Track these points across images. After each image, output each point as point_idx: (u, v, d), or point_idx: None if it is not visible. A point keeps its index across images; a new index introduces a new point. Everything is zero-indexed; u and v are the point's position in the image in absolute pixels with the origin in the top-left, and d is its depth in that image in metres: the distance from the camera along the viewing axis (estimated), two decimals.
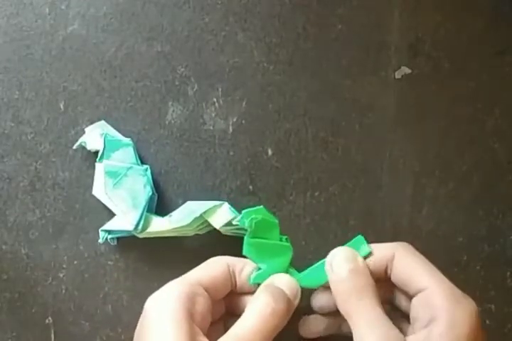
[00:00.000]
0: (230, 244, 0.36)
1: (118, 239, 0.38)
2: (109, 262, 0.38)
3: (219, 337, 0.29)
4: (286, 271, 0.33)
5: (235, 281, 0.33)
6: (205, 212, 0.35)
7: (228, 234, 0.36)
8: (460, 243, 0.39)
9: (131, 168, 0.37)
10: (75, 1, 0.39)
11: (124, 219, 0.36)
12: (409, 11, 0.39)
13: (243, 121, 0.39)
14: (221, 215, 0.36)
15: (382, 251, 0.32)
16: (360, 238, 0.33)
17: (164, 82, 0.39)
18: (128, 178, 0.37)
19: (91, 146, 0.37)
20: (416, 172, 0.39)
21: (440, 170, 0.39)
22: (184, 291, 0.30)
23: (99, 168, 0.37)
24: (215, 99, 0.39)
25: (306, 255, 0.38)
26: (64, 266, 0.38)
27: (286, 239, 0.34)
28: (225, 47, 0.39)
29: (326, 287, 0.33)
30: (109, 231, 0.37)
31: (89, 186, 0.38)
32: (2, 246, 0.38)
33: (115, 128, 0.38)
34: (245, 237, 0.33)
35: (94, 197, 0.37)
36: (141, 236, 0.36)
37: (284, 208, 0.38)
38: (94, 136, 0.37)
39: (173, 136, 0.39)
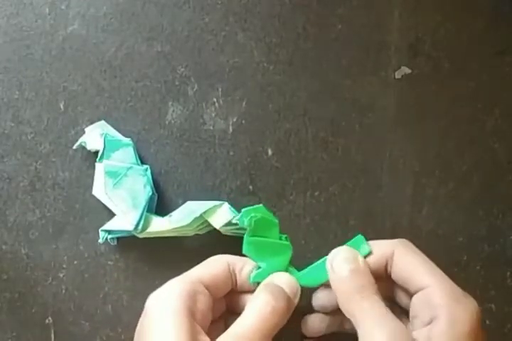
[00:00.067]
0: (230, 243, 0.36)
1: (118, 239, 0.38)
2: (109, 262, 0.38)
3: (219, 335, 0.29)
4: (286, 270, 0.33)
5: (236, 280, 0.33)
6: (205, 212, 0.35)
7: (228, 233, 0.36)
8: (460, 243, 0.39)
9: (131, 168, 0.37)
10: (75, 1, 0.39)
11: (124, 219, 0.36)
12: (409, 11, 0.39)
13: (243, 121, 0.39)
14: (221, 215, 0.36)
15: (381, 248, 0.32)
16: (360, 237, 0.33)
17: (164, 82, 0.39)
18: (128, 178, 0.37)
19: (91, 146, 0.37)
20: (416, 172, 0.39)
21: (440, 170, 0.39)
22: (185, 289, 0.30)
23: (99, 168, 0.37)
24: (215, 99, 0.39)
25: (306, 255, 0.38)
26: (64, 266, 0.38)
27: (285, 237, 0.34)
28: (225, 47, 0.39)
29: (327, 286, 0.33)
30: (109, 231, 0.37)
31: (89, 186, 0.38)
32: (2, 246, 0.38)
33: (115, 128, 0.38)
34: (245, 236, 0.33)
35: (94, 197, 0.37)
36: (141, 236, 0.36)
37: (284, 208, 0.38)
38: (94, 136, 0.37)
39: (173, 136, 0.39)
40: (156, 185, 0.38)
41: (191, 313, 0.29)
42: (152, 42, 0.39)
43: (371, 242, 0.33)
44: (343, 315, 0.31)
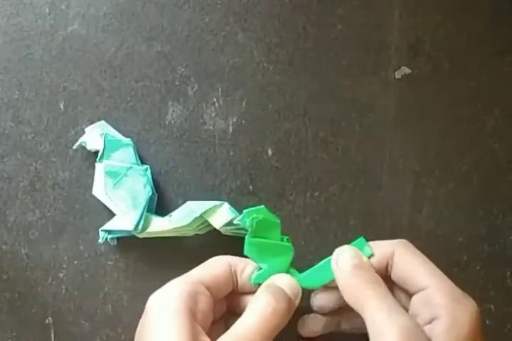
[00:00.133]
0: (230, 244, 0.36)
1: (118, 239, 0.38)
2: (109, 262, 0.38)
3: (220, 336, 0.29)
4: (287, 271, 0.33)
5: (237, 281, 0.33)
6: (205, 212, 0.35)
7: (228, 234, 0.36)
8: (460, 243, 0.39)
9: (131, 168, 0.37)
10: (75, 1, 0.39)
11: (124, 219, 0.36)
12: (409, 11, 0.39)
13: (243, 121, 0.39)
14: (221, 215, 0.36)
15: (382, 249, 0.32)
16: (361, 240, 0.33)
17: (164, 82, 0.39)
18: (128, 178, 0.37)
19: (91, 146, 0.37)
20: (416, 172, 0.39)
21: (440, 170, 0.39)
22: (186, 290, 0.30)
23: (99, 168, 0.37)
24: (215, 99, 0.39)
25: (306, 255, 0.38)
26: (64, 266, 0.38)
27: (287, 239, 0.34)
28: (225, 47, 0.39)
29: (326, 287, 0.33)
30: (109, 231, 0.37)
31: (89, 186, 0.38)
32: (2, 246, 0.38)
33: (115, 128, 0.38)
34: (246, 237, 0.33)
35: (94, 197, 0.37)
36: (141, 236, 0.36)
37: (284, 208, 0.38)
38: (94, 136, 0.37)
39: (173, 136, 0.39)
40: (156, 185, 0.38)
41: (192, 314, 0.29)
42: (152, 42, 0.39)
43: (371, 243, 0.33)
44: (341, 315, 0.31)
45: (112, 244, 0.38)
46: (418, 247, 0.32)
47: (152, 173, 0.38)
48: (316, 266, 0.33)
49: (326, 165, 0.39)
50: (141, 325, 0.30)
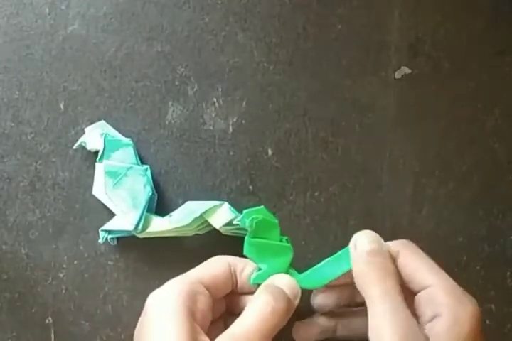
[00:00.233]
0: (230, 244, 0.36)
1: (118, 239, 0.38)
2: (109, 262, 0.38)
3: (219, 335, 0.29)
4: (287, 272, 0.33)
5: (236, 281, 0.33)
6: (205, 212, 0.35)
7: (228, 234, 0.36)
8: (460, 243, 0.39)
9: (131, 168, 0.37)
10: (75, 1, 0.39)
11: (124, 219, 0.36)
12: (409, 11, 0.39)
13: (243, 121, 0.39)
14: (221, 215, 0.36)
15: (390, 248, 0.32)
16: None
17: (164, 82, 0.39)
18: (128, 178, 0.37)
19: (91, 146, 0.37)
20: (416, 172, 0.39)
21: (440, 170, 0.39)
22: (185, 289, 0.30)
23: (99, 168, 0.37)
24: (215, 99, 0.39)
25: (306, 255, 0.38)
26: (64, 266, 0.38)
27: (286, 239, 0.34)
28: (225, 47, 0.39)
29: (327, 286, 0.33)
30: (109, 231, 0.37)
31: (89, 186, 0.38)
32: (2, 246, 0.38)
33: (115, 128, 0.38)
34: (246, 237, 0.33)
35: (94, 197, 0.37)
36: (141, 236, 0.36)
37: (284, 208, 0.38)
38: (94, 136, 0.37)
39: (173, 136, 0.39)
40: (156, 185, 0.38)
41: (191, 313, 0.29)
42: (152, 42, 0.39)
43: None
44: (339, 318, 0.31)
45: (112, 244, 0.38)
46: (418, 247, 0.32)
47: (152, 173, 0.38)
48: (316, 266, 0.33)
49: (326, 165, 0.39)
50: (140, 324, 0.30)
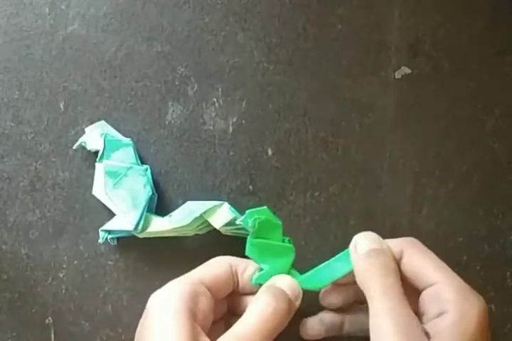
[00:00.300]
0: (230, 244, 0.36)
1: (118, 239, 0.38)
2: (109, 262, 0.38)
3: (220, 336, 0.29)
4: (288, 273, 0.33)
5: (237, 281, 0.33)
6: (205, 212, 0.35)
7: (228, 234, 0.36)
8: (460, 243, 0.39)
9: (131, 168, 0.37)
10: (75, 1, 0.39)
11: (124, 219, 0.36)
12: (409, 11, 0.39)
13: (243, 121, 0.39)
14: (221, 215, 0.36)
15: (391, 247, 0.32)
16: None
17: (164, 82, 0.39)
18: (128, 178, 0.37)
19: (91, 146, 0.37)
20: (416, 172, 0.39)
21: (440, 170, 0.39)
22: (186, 290, 0.30)
23: (99, 168, 0.37)
24: (215, 99, 0.39)
25: (306, 255, 0.38)
26: (64, 266, 0.38)
27: (288, 240, 0.34)
28: (225, 47, 0.39)
29: (336, 284, 0.33)
30: (109, 231, 0.37)
31: (89, 186, 0.38)
32: (2, 246, 0.38)
33: (115, 128, 0.38)
34: (248, 237, 0.33)
35: (94, 197, 0.37)
36: (141, 236, 0.36)
37: (284, 208, 0.38)
38: (94, 136, 0.37)
39: (173, 136, 0.39)
40: (156, 185, 0.38)
41: (192, 314, 0.29)
42: (152, 42, 0.39)
43: None
44: (346, 314, 0.31)
45: (112, 244, 0.38)
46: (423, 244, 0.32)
47: (152, 173, 0.38)
48: (318, 267, 0.33)
49: (326, 165, 0.39)
50: (142, 325, 0.30)
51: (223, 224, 0.35)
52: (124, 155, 0.37)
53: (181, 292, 0.30)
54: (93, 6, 0.39)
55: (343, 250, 0.33)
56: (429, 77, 0.39)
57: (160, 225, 0.36)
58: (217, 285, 0.32)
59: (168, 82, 0.39)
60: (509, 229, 0.39)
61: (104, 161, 0.37)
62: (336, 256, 0.33)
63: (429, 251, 0.32)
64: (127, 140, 0.38)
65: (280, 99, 0.39)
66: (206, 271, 0.32)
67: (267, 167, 0.39)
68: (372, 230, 0.37)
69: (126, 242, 0.38)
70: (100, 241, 0.37)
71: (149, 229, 0.36)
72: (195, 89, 0.39)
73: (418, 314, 0.31)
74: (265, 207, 0.33)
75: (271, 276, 0.33)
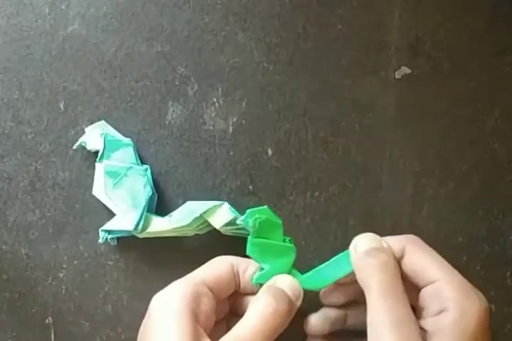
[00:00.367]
0: (230, 244, 0.36)
1: (118, 239, 0.38)
2: (109, 262, 0.38)
3: (221, 337, 0.29)
4: (289, 272, 0.33)
5: (239, 281, 0.33)
6: (205, 212, 0.35)
7: (228, 234, 0.36)
8: (460, 243, 0.39)
9: (131, 168, 0.37)
10: (75, 1, 0.39)
11: (124, 219, 0.36)
12: (409, 11, 0.39)
13: (243, 121, 0.39)
14: (221, 215, 0.36)
15: (392, 244, 0.32)
16: None
17: (164, 82, 0.39)
18: (128, 178, 0.37)
19: (91, 146, 0.37)
20: (416, 172, 0.39)
21: (440, 170, 0.39)
22: (189, 291, 0.30)
23: (99, 168, 0.37)
24: (215, 99, 0.39)
25: (306, 255, 0.38)
26: (64, 266, 0.38)
27: (289, 239, 0.34)
28: (225, 47, 0.39)
29: (337, 284, 0.33)
30: (109, 231, 0.37)
31: (89, 186, 0.38)
32: (2, 246, 0.38)
33: (115, 128, 0.38)
34: (249, 237, 0.33)
35: (94, 197, 0.37)
36: (141, 236, 0.36)
37: (284, 208, 0.38)
38: (94, 136, 0.37)
39: (173, 136, 0.39)
40: (156, 185, 0.38)
41: (194, 315, 0.29)
42: (152, 42, 0.39)
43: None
44: (348, 309, 0.31)
45: (112, 244, 0.38)
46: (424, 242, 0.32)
47: (152, 173, 0.38)
48: (319, 267, 0.33)
49: (326, 165, 0.39)
50: (144, 326, 0.30)
51: (223, 224, 0.35)
52: (124, 155, 0.37)
53: (183, 293, 0.30)
54: (93, 6, 0.39)
55: (343, 250, 0.33)
56: (429, 77, 0.39)
57: (160, 225, 0.36)
58: (219, 285, 0.32)
59: (168, 82, 0.39)
60: (509, 229, 0.39)
61: (104, 161, 0.37)
62: (337, 256, 0.33)
63: (430, 248, 0.32)
64: (127, 140, 0.38)
65: (280, 99, 0.39)
66: (208, 272, 0.32)
67: (267, 167, 0.39)
68: (372, 230, 0.37)
69: (126, 242, 0.38)
70: (100, 241, 0.37)
71: (149, 229, 0.36)
72: (195, 89, 0.39)
73: (418, 311, 0.31)
74: (266, 206, 0.33)
75: (272, 276, 0.33)
